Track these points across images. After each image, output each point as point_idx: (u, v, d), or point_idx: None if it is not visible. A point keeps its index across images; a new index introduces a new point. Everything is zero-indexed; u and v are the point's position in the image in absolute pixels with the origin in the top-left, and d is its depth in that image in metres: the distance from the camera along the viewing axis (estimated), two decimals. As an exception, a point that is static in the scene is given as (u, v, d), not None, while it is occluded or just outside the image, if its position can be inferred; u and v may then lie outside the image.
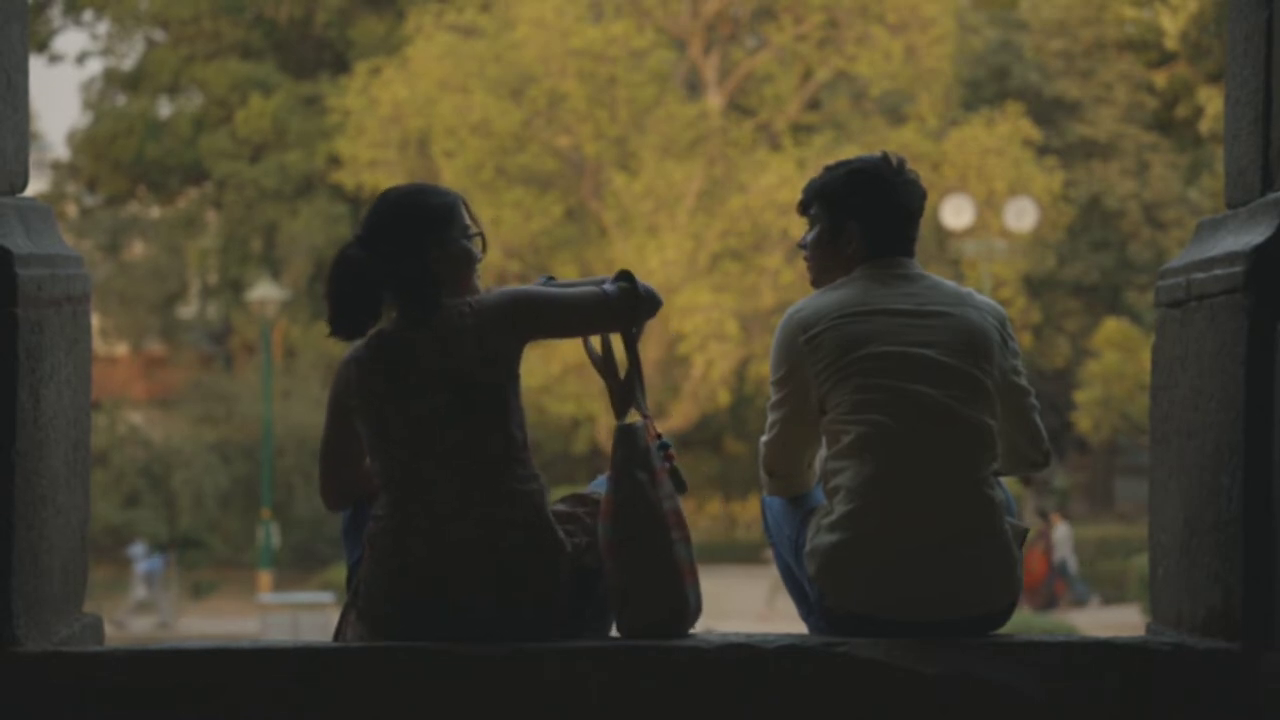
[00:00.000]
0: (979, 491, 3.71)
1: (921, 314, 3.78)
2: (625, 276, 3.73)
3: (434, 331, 3.64)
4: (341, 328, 3.66)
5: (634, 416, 3.75)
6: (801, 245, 3.99)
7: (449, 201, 3.74)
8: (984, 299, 3.88)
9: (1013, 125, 31.78)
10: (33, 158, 3.88)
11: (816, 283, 3.94)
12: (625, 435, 3.66)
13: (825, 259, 3.92)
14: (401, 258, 3.65)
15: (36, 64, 44.70)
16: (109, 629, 4.09)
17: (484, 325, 3.63)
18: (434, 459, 3.61)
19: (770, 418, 3.85)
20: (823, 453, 3.82)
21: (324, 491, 3.80)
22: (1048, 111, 35.87)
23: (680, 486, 3.69)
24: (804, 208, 3.98)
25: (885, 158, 3.92)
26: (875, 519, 3.68)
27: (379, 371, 3.65)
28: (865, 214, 3.87)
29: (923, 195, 3.94)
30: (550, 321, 3.69)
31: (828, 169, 3.97)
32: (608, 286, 3.72)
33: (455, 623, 3.61)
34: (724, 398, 31.65)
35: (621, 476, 3.63)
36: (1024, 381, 3.86)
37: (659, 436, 3.70)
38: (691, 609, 3.68)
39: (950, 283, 3.90)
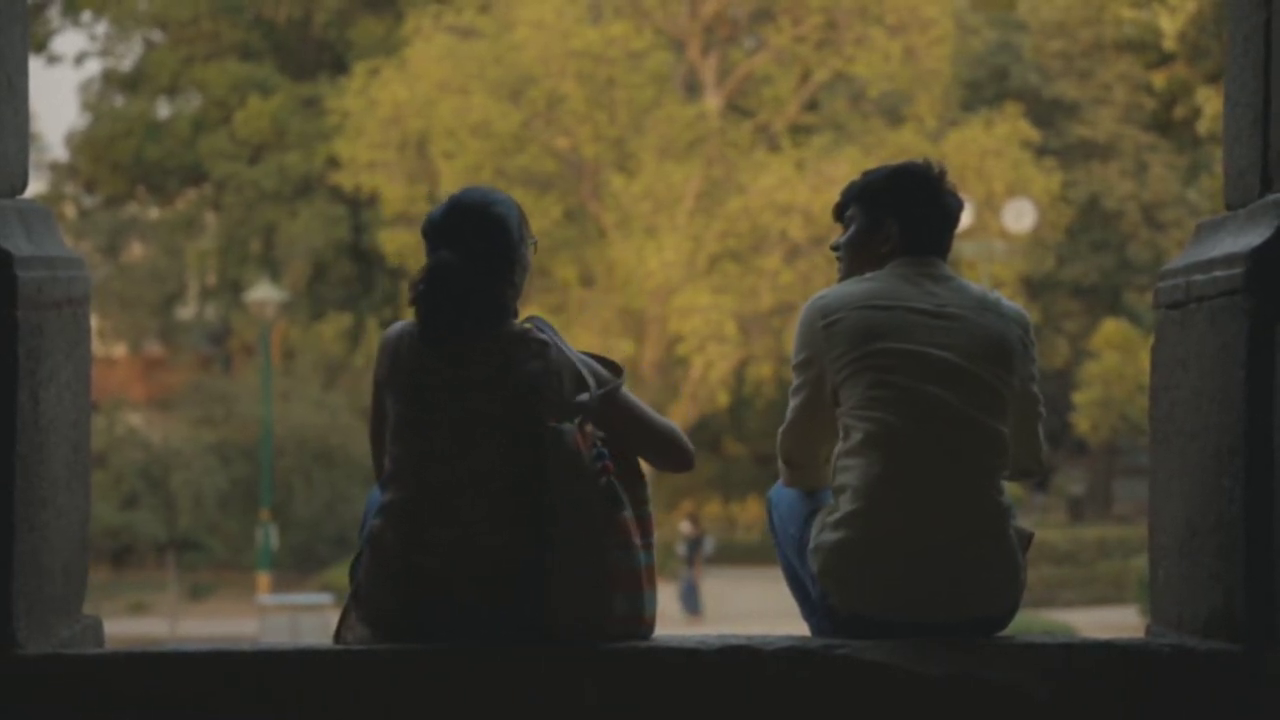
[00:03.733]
0: (987, 496, 3.71)
1: (943, 315, 3.76)
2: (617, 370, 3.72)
3: (498, 344, 3.62)
4: (438, 332, 3.61)
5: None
6: (834, 247, 3.99)
7: (519, 209, 3.75)
8: (1010, 305, 3.86)
9: (1011, 126, 31.80)
10: (31, 159, 3.88)
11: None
12: (551, 437, 3.59)
13: (859, 257, 3.92)
14: (493, 264, 3.64)
15: (35, 65, 44.61)
16: None
17: (556, 373, 3.60)
18: (463, 467, 3.58)
19: (790, 403, 3.85)
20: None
21: (377, 469, 3.75)
22: (1046, 112, 35.89)
23: (616, 502, 3.61)
24: (840, 211, 3.98)
25: (928, 163, 3.94)
26: (881, 519, 3.67)
27: (435, 358, 3.61)
28: (905, 211, 3.87)
29: (960, 205, 3.94)
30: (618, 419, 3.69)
31: (867, 173, 3.99)
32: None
33: (459, 626, 3.60)
34: (723, 399, 31.64)
35: (550, 478, 3.59)
36: (1036, 389, 3.85)
37: (597, 445, 3.64)
38: (624, 616, 3.61)
39: (978, 286, 3.89)
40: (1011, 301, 3.90)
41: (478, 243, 3.64)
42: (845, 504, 3.71)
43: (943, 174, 3.93)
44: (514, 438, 3.60)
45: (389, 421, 3.65)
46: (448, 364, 3.62)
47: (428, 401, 3.61)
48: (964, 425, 3.70)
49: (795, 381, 3.83)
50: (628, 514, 3.64)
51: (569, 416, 3.61)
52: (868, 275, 3.86)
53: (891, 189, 3.90)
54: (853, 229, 3.94)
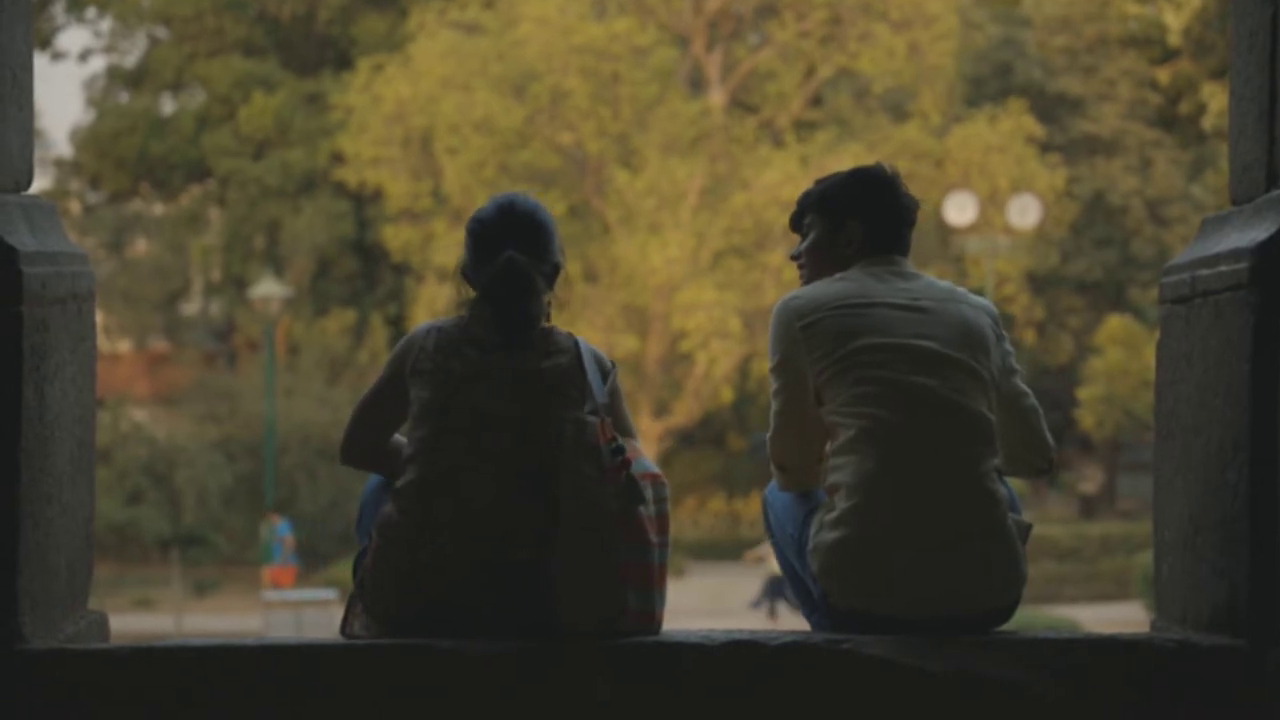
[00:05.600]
0: (981, 486, 3.71)
1: (917, 308, 3.81)
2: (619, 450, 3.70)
3: (533, 344, 3.68)
4: (513, 325, 3.68)
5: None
6: (794, 256, 4.02)
7: None
8: (976, 297, 3.94)
9: (1016, 122, 31.78)
10: (35, 155, 3.88)
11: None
12: (573, 429, 3.64)
13: (822, 262, 3.96)
14: (546, 267, 3.74)
15: (39, 61, 44.66)
16: None
17: (578, 367, 3.67)
18: (479, 458, 3.62)
19: (772, 408, 3.87)
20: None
21: (347, 444, 3.79)
22: (1051, 108, 35.88)
23: (635, 496, 3.64)
24: (797, 220, 4.03)
25: (882, 166, 4.02)
26: (878, 515, 3.68)
27: (464, 352, 3.66)
28: (867, 212, 3.93)
29: (916, 204, 4.02)
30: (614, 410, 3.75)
31: (821, 181, 4.05)
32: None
33: (468, 620, 3.61)
34: (727, 395, 31.66)
35: (565, 470, 3.62)
36: (1022, 384, 3.89)
37: (613, 440, 3.67)
38: (636, 612, 3.63)
39: (944, 281, 3.96)
40: (978, 296, 3.96)
41: (535, 245, 3.74)
42: (841, 501, 3.72)
43: (897, 175, 4.00)
44: (530, 432, 3.63)
45: (412, 410, 3.69)
46: (484, 357, 3.66)
47: (453, 390, 3.65)
48: (952, 412, 3.72)
49: (775, 385, 3.84)
50: (646, 510, 3.65)
51: (585, 409, 3.65)
52: (837, 276, 3.90)
53: (851, 193, 3.95)
54: (812, 236, 3.99)
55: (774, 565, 27.06)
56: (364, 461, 3.82)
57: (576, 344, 3.73)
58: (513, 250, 3.70)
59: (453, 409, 3.64)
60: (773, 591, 27.31)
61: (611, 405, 3.74)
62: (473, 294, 3.76)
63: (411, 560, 3.62)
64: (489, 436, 3.63)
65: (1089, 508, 36.76)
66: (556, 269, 3.78)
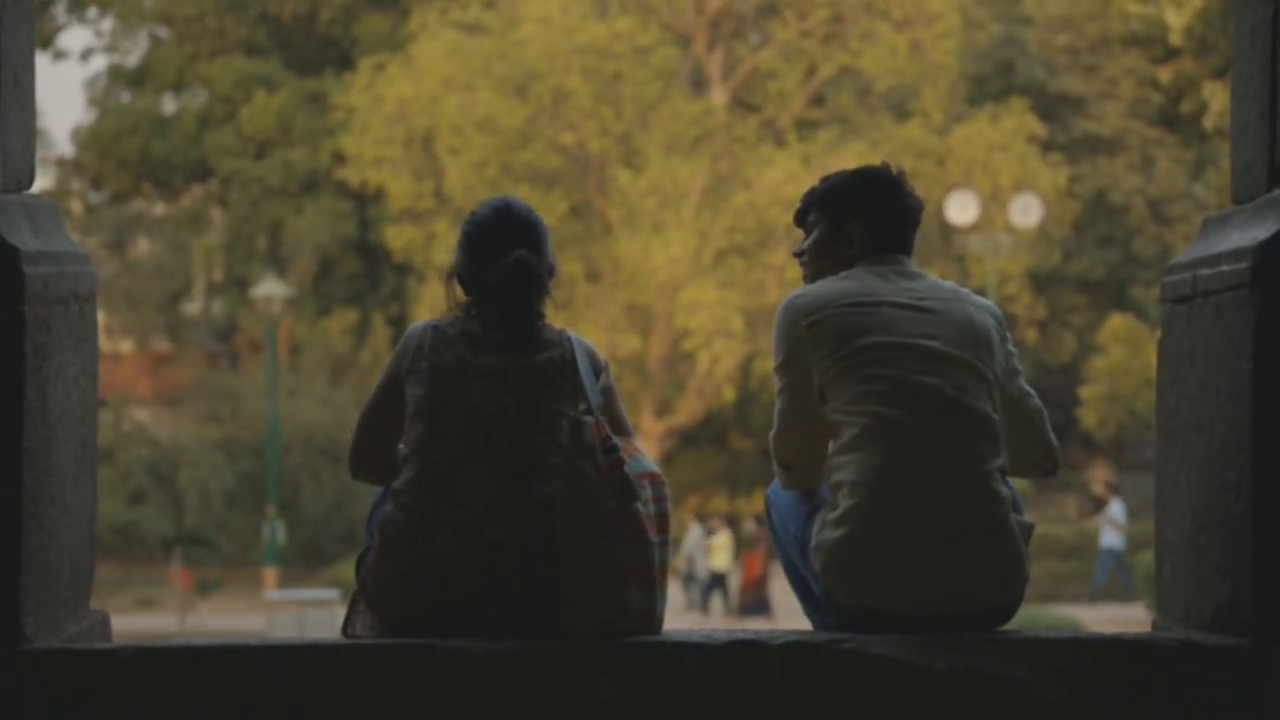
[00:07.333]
0: (984, 485, 3.72)
1: (921, 308, 3.81)
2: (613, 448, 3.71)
3: (533, 342, 3.70)
4: (518, 325, 3.70)
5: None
6: (798, 253, 4.03)
7: None
8: (980, 299, 3.94)
9: (1018, 121, 31.77)
10: (37, 155, 3.88)
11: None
12: (572, 428, 3.66)
13: (825, 261, 3.96)
14: (546, 266, 3.78)
15: (40, 61, 44.66)
16: None
17: (571, 361, 3.69)
18: (475, 455, 3.63)
19: (777, 406, 3.87)
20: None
21: (355, 455, 3.80)
22: (1053, 107, 35.87)
23: (630, 494, 3.64)
24: (801, 217, 4.03)
25: (887, 165, 4.02)
26: (881, 512, 3.68)
27: (459, 350, 3.67)
28: (870, 212, 3.93)
29: (920, 205, 4.02)
30: (608, 398, 3.77)
31: (826, 179, 4.05)
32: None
33: (470, 619, 3.61)
34: (729, 394, 31.66)
35: (564, 470, 3.63)
36: (1026, 384, 3.89)
37: (608, 439, 3.68)
38: (638, 611, 3.63)
39: (948, 282, 3.96)
40: (981, 297, 3.96)
41: (533, 246, 3.77)
42: (844, 500, 3.72)
43: (902, 175, 3.99)
44: (524, 429, 3.64)
45: (408, 409, 3.70)
46: (478, 356, 3.67)
47: (447, 389, 3.66)
48: (957, 411, 3.72)
49: (779, 383, 3.84)
50: (642, 508, 3.65)
51: (580, 404, 3.67)
52: (841, 275, 3.90)
53: (855, 192, 3.95)
54: (816, 233, 3.99)
55: (713, 561, 27.27)
56: (374, 472, 3.81)
57: (569, 339, 3.75)
58: (519, 250, 3.72)
59: (446, 408, 3.66)
60: (709, 588, 27.36)
61: (606, 403, 3.75)
62: (464, 297, 3.77)
63: (412, 560, 3.62)
64: (482, 435, 3.64)
65: (1099, 508, 36.75)
66: (552, 270, 3.81)
